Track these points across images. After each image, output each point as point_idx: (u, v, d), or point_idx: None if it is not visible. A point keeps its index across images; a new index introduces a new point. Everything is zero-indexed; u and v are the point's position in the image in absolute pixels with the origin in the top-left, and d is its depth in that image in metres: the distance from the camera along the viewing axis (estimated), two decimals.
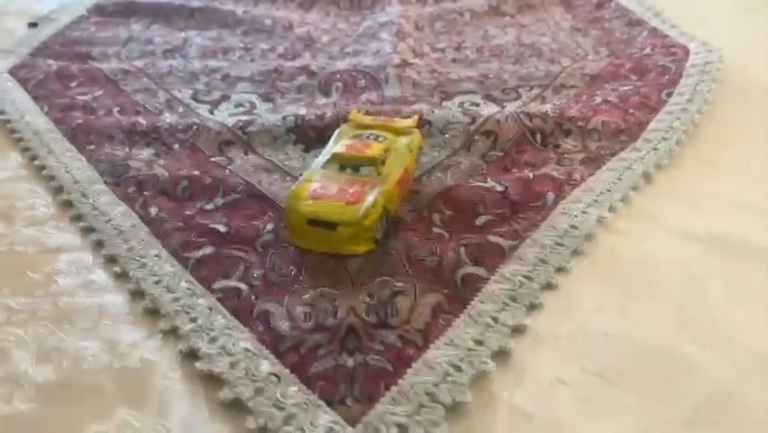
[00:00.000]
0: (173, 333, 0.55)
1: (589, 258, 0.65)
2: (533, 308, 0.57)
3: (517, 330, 0.55)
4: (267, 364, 0.50)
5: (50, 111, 0.91)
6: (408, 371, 0.49)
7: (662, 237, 0.68)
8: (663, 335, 0.55)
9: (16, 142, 0.85)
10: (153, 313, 0.57)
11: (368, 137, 0.71)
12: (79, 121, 0.87)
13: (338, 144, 0.70)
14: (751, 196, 0.74)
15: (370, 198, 0.62)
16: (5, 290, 0.59)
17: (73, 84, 1.00)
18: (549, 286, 0.60)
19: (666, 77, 1.00)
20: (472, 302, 0.57)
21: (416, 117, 0.78)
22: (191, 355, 0.52)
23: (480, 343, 0.52)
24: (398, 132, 0.74)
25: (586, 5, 1.37)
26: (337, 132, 0.76)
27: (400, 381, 0.49)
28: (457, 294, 0.57)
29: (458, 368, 0.50)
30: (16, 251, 0.65)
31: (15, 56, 1.09)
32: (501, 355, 0.52)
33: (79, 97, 0.95)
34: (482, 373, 0.50)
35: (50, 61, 1.07)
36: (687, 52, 1.07)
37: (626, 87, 0.97)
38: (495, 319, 0.55)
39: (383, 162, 0.67)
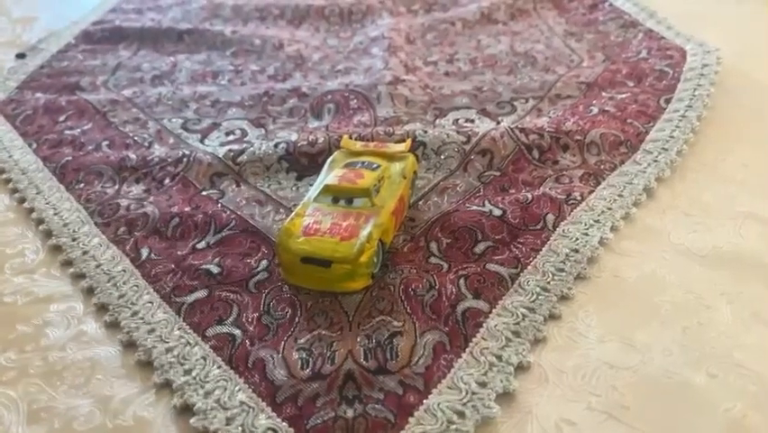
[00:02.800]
0: (167, 386, 0.53)
1: (592, 283, 0.63)
2: (537, 342, 0.56)
3: (522, 367, 0.53)
4: (264, 418, 0.49)
5: (38, 148, 0.90)
6: (410, 420, 0.48)
7: (665, 256, 0.66)
8: (671, 364, 0.54)
9: (5, 183, 0.83)
10: (146, 365, 0.55)
11: (360, 165, 0.69)
12: (68, 158, 0.86)
13: (330, 175, 0.68)
14: (756, 207, 0.72)
15: (364, 233, 0.60)
16: None
17: (61, 118, 0.98)
18: (552, 316, 0.58)
19: (664, 82, 0.98)
20: (474, 339, 0.55)
21: (408, 141, 0.76)
22: (186, 410, 0.51)
23: (483, 385, 0.51)
24: (392, 157, 0.73)
25: (579, 8, 1.36)
26: (329, 160, 0.74)
27: (402, 431, 0.47)
28: (458, 331, 0.56)
29: (461, 414, 0.48)
30: (5, 302, 0.63)
31: (2, 90, 1.08)
32: (505, 397, 0.51)
33: (68, 132, 0.94)
34: (486, 418, 0.48)
35: (38, 94, 1.06)
36: (684, 54, 1.05)
37: (623, 95, 0.95)
38: (498, 357, 0.53)
39: (377, 192, 0.65)
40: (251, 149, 0.84)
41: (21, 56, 1.23)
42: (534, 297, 0.59)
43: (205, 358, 0.54)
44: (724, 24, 1.21)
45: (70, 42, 1.28)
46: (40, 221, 0.74)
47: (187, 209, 0.74)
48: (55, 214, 0.75)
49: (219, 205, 0.75)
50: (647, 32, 1.17)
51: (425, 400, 0.49)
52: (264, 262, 0.65)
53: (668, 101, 0.92)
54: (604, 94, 0.97)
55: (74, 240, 0.70)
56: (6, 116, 0.99)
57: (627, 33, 1.19)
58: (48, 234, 0.72)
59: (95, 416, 0.51)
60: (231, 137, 0.91)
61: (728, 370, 0.53)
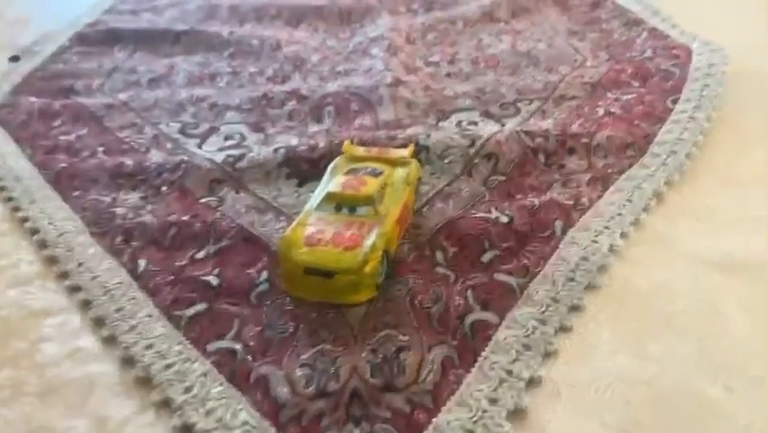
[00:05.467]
0: (167, 404, 0.51)
1: (602, 292, 0.61)
2: (548, 355, 0.54)
3: (533, 382, 0.51)
4: None
5: (33, 154, 0.88)
6: None
7: (677, 263, 0.64)
8: (686, 376, 0.52)
9: None
10: (145, 382, 0.53)
11: (363, 172, 0.68)
12: (63, 165, 0.84)
13: (332, 182, 0.66)
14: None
15: (368, 242, 0.59)
16: None
17: (56, 123, 0.96)
18: (563, 328, 0.57)
19: (670, 82, 0.96)
20: (483, 353, 0.53)
21: (411, 147, 0.75)
22: (186, 430, 0.49)
23: (494, 401, 0.49)
24: (395, 163, 0.71)
25: (581, 6, 1.33)
26: (331, 166, 0.72)
27: None
28: (466, 345, 0.54)
29: None
30: (0, 315, 0.62)
31: None
32: (517, 413, 0.49)
33: (63, 137, 0.92)
34: None
35: (33, 99, 1.04)
36: (689, 53, 1.03)
37: (629, 96, 0.93)
38: (509, 372, 0.51)
39: (380, 199, 0.64)
40: (251, 154, 0.82)
41: (14, 59, 1.21)
42: (545, 308, 0.58)
43: (205, 375, 0.53)
44: (728, 22, 1.19)
45: (65, 44, 1.26)
46: (34, 231, 0.73)
47: (185, 218, 0.72)
48: (50, 223, 0.73)
49: (218, 213, 0.73)
50: (651, 31, 1.16)
51: (434, 419, 0.48)
52: (265, 273, 0.63)
53: (675, 101, 0.91)
54: (609, 95, 0.95)
55: (69, 251, 0.69)
56: (1, 121, 0.97)
57: (631, 32, 1.17)
58: (43, 244, 0.71)
59: None
60: (229, 142, 0.89)
61: (746, 383, 0.51)
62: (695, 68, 0.98)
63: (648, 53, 1.07)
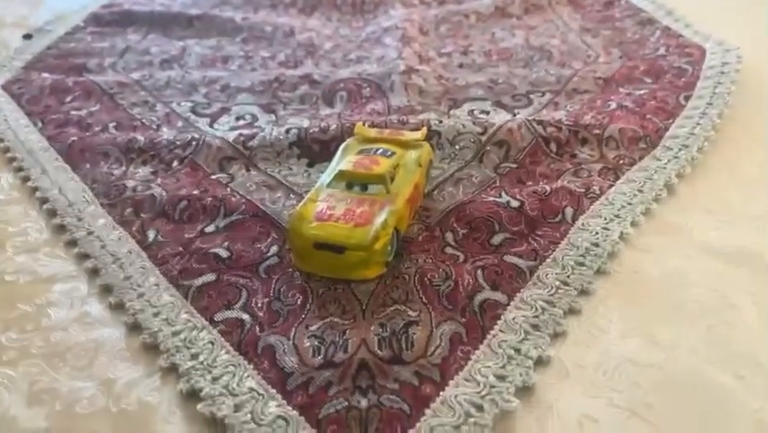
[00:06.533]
0: (173, 370, 0.51)
1: (612, 278, 0.61)
2: (556, 336, 0.54)
3: (541, 361, 0.51)
4: (273, 406, 0.47)
5: (44, 128, 0.88)
6: (426, 412, 0.46)
7: (687, 253, 0.64)
8: (695, 362, 0.52)
9: (9, 162, 0.81)
10: (152, 348, 0.53)
11: (375, 152, 0.67)
12: (74, 138, 0.84)
13: (344, 160, 0.66)
14: None
15: (379, 220, 0.58)
16: None
17: (68, 98, 0.96)
18: (572, 311, 0.56)
19: (683, 79, 0.96)
20: (492, 331, 0.53)
21: (424, 129, 0.74)
22: (192, 395, 0.49)
23: (502, 378, 0.49)
24: (407, 145, 0.71)
25: (594, 4, 1.34)
26: (343, 146, 0.72)
27: (418, 423, 0.45)
28: (475, 323, 0.54)
29: (479, 407, 0.46)
30: (7, 280, 0.61)
31: (8, 70, 1.06)
32: (525, 391, 0.49)
33: (74, 113, 0.92)
34: (506, 411, 0.46)
35: (45, 75, 1.04)
36: (703, 52, 1.03)
37: (642, 91, 0.93)
38: (517, 351, 0.51)
39: (392, 179, 0.63)
40: (262, 134, 0.82)
41: (27, 36, 1.21)
42: (554, 290, 0.57)
43: (212, 343, 0.52)
44: (742, 23, 1.19)
45: (78, 25, 1.27)
46: (44, 200, 0.73)
47: (195, 192, 0.72)
48: (60, 193, 0.73)
49: (228, 189, 0.73)
50: (665, 30, 1.15)
51: (441, 392, 0.47)
52: (275, 248, 0.63)
53: (687, 98, 0.90)
54: (622, 90, 0.95)
55: (79, 220, 0.68)
56: (12, 95, 0.97)
57: (645, 30, 1.17)
58: (52, 213, 0.70)
59: (98, 399, 0.49)
60: (241, 122, 0.89)
61: (755, 371, 0.51)
62: (708, 66, 0.98)
63: (661, 51, 1.07)
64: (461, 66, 1.07)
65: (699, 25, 1.15)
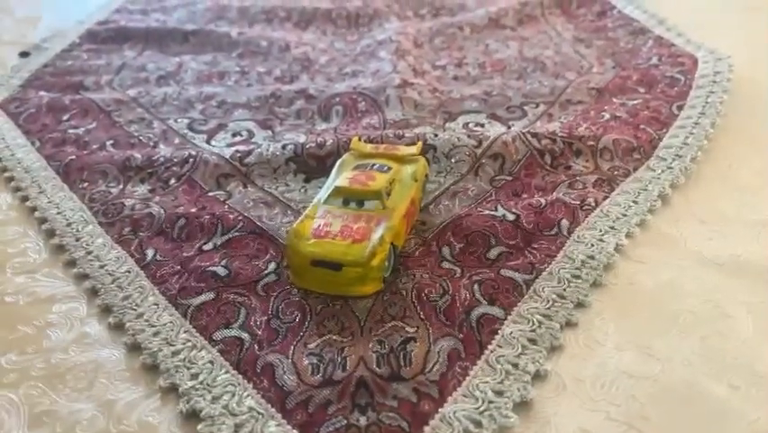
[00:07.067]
0: (173, 390, 0.51)
1: (608, 290, 0.61)
2: (553, 349, 0.54)
3: (539, 376, 0.52)
4: (273, 426, 0.47)
5: (41, 147, 0.88)
6: (425, 429, 0.46)
7: (682, 264, 0.65)
8: (691, 373, 0.52)
9: (7, 182, 0.82)
10: (152, 368, 0.54)
11: (371, 168, 0.68)
12: (72, 157, 0.84)
13: (340, 177, 0.67)
14: None
15: (376, 236, 0.59)
16: None
17: (65, 116, 0.97)
18: (569, 324, 0.57)
19: (675, 88, 0.97)
20: (489, 346, 0.53)
21: (419, 144, 0.75)
22: (193, 415, 0.49)
23: (500, 393, 0.49)
24: (402, 160, 0.72)
25: (587, 15, 1.35)
26: (339, 162, 0.73)
27: None
28: (473, 338, 0.54)
29: (478, 423, 0.46)
30: (7, 302, 0.62)
31: (6, 89, 1.06)
32: (523, 406, 0.49)
33: (71, 131, 0.92)
34: (504, 427, 0.47)
35: (42, 93, 1.05)
36: (695, 62, 1.04)
37: (635, 102, 0.94)
38: (515, 365, 0.51)
39: (388, 194, 0.64)
40: (259, 150, 0.82)
41: (24, 54, 1.22)
42: (550, 304, 0.58)
43: (212, 363, 0.53)
44: (733, 32, 1.20)
45: (75, 42, 1.27)
46: (42, 220, 0.73)
47: (193, 210, 0.72)
48: (58, 213, 0.73)
49: (226, 206, 0.74)
50: (657, 39, 1.17)
51: (440, 409, 0.48)
52: (272, 265, 0.64)
53: (680, 108, 0.91)
54: (615, 100, 0.96)
55: (77, 240, 0.69)
56: (9, 114, 0.98)
57: (637, 40, 1.18)
58: (50, 233, 0.71)
59: (98, 420, 0.49)
60: (237, 138, 0.90)
61: (751, 381, 0.51)
62: (700, 75, 0.99)
63: (654, 61, 1.08)
64: (455, 78, 1.08)
65: (691, 34, 1.16)
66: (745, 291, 0.61)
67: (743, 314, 0.58)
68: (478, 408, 0.48)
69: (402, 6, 1.41)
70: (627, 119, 0.88)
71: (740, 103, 0.94)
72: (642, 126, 0.86)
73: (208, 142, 0.89)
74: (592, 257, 0.63)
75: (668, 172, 0.77)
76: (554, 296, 0.59)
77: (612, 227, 0.68)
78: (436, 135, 0.83)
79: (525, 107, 0.95)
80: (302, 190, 0.77)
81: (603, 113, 0.91)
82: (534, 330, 0.55)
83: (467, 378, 0.50)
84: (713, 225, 0.70)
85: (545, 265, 0.62)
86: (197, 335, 0.56)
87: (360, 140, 0.78)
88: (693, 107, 0.91)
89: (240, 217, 0.71)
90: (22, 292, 0.63)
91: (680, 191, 0.76)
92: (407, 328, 0.55)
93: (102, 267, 0.64)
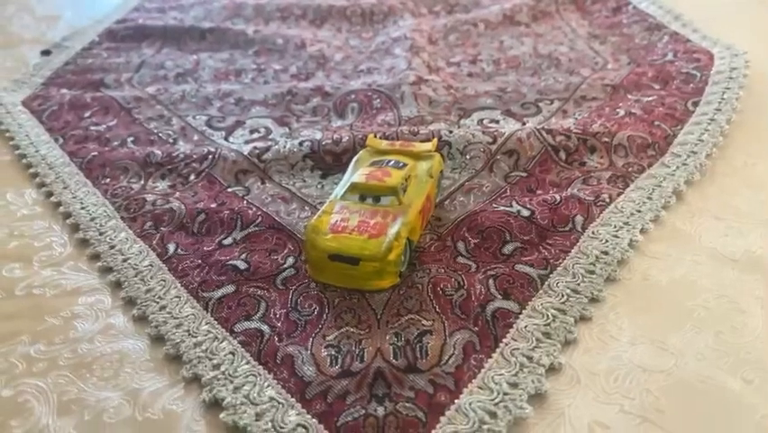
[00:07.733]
0: (196, 380, 0.53)
1: (622, 285, 0.62)
2: (567, 343, 0.55)
3: (553, 369, 0.52)
4: (294, 414, 0.48)
5: (64, 143, 0.90)
6: (441, 419, 0.47)
7: (696, 259, 0.65)
8: (706, 369, 0.53)
9: (32, 178, 0.84)
10: (175, 359, 0.55)
11: (387, 164, 0.69)
12: (94, 153, 0.86)
13: (357, 173, 0.68)
14: None
15: (392, 231, 0.60)
16: (25, 337, 0.58)
17: (87, 114, 0.99)
18: (583, 318, 0.57)
19: (691, 85, 0.97)
20: (504, 340, 0.54)
21: (435, 140, 0.76)
22: (215, 404, 0.51)
23: (514, 385, 0.50)
24: (418, 156, 0.72)
25: (602, 11, 1.35)
26: (355, 158, 0.74)
27: (433, 431, 0.46)
28: (488, 331, 0.55)
29: (493, 414, 0.47)
30: (34, 294, 0.64)
31: (29, 86, 1.09)
32: (537, 398, 0.50)
33: (93, 128, 0.94)
34: (519, 418, 0.48)
35: (64, 91, 1.07)
36: (711, 58, 1.04)
37: (650, 98, 0.94)
38: (529, 358, 0.52)
39: (404, 190, 0.65)
40: (276, 147, 0.84)
41: (46, 53, 1.24)
42: (565, 298, 0.59)
43: (233, 353, 0.54)
44: (750, 28, 1.19)
45: (94, 40, 1.30)
46: (67, 215, 0.75)
47: (212, 206, 0.74)
48: (82, 208, 0.75)
49: (245, 202, 0.75)
50: (672, 35, 1.16)
51: (456, 400, 0.49)
52: (291, 259, 0.65)
53: (696, 104, 0.91)
54: (630, 96, 0.96)
55: (101, 234, 0.71)
56: (32, 112, 1.00)
57: (652, 36, 1.18)
58: (75, 227, 0.73)
59: (124, 408, 0.51)
60: (255, 135, 0.91)
61: (764, 375, 0.52)
62: (716, 71, 0.99)
63: (669, 57, 1.07)
64: (470, 75, 1.08)
65: (707, 30, 1.16)
66: (759, 287, 0.61)
67: (757, 309, 0.59)
68: (493, 399, 0.49)
69: (416, 3, 1.42)
70: (642, 115, 0.88)
71: (756, 99, 0.94)
72: (657, 123, 0.86)
73: (226, 138, 0.90)
74: (606, 252, 0.64)
75: (683, 169, 0.77)
76: (569, 291, 0.59)
77: (626, 223, 0.68)
78: (451, 132, 0.83)
79: (540, 104, 0.96)
80: (319, 186, 0.78)
81: (618, 109, 0.91)
82: (548, 324, 0.56)
83: (482, 370, 0.51)
84: (728, 221, 0.70)
85: (560, 261, 0.63)
86: (219, 326, 0.57)
87: (375, 136, 0.79)
88: (709, 103, 0.91)
89: (258, 213, 0.72)
90: (49, 285, 0.65)
91: (695, 187, 0.76)
92: (424, 321, 0.56)
93: (125, 261, 0.66)
